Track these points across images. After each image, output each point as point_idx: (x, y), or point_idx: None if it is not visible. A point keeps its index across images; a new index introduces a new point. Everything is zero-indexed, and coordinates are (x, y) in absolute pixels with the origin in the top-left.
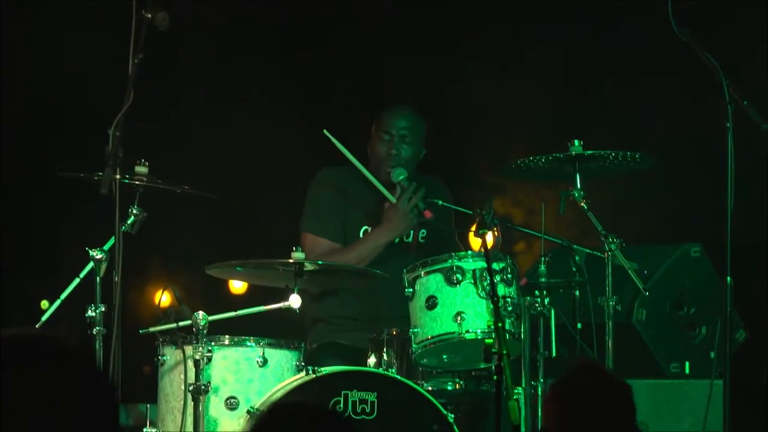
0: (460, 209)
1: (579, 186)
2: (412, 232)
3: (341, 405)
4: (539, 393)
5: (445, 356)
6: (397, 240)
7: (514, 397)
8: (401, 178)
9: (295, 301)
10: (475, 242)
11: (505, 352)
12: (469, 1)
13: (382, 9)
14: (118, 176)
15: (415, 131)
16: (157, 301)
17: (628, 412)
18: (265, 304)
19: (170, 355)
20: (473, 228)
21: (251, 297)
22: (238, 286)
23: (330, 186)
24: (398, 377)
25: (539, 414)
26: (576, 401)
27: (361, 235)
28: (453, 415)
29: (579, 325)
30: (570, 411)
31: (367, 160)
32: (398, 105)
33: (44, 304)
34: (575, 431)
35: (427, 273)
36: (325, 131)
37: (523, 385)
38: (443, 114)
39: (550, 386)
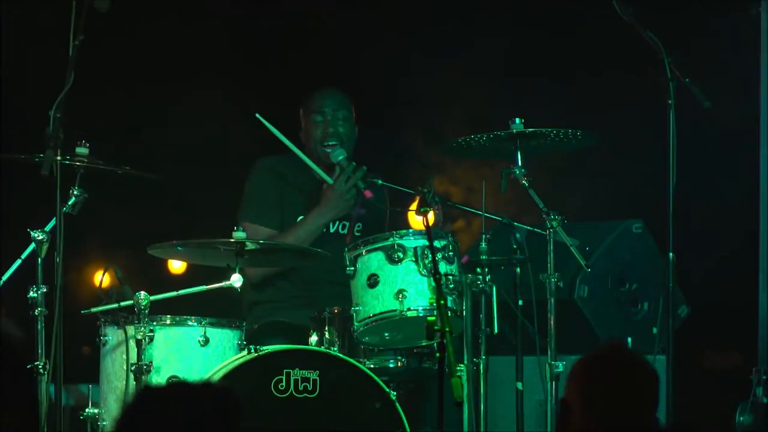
0: (401, 188)
1: (520, 164)
2: (347, 223)
3: (283, 383)
4: (481, 370)
5: (387, 334)
6: (332, 229)
7: (457, 374)
8: (341, 158)
9: (236, 279)
10: (415, 221)
11: (447, 329)
12: None
13: None
14: (59, 157)
15: (347, 108)
16: (98, 282)
17: (651, 399)
18: (205, 284)
19: (112, 335)
20: (414, 206)
21: (191, 277)
22: (177, 266)
23: (268, 175)
24: (340, 355)
25: (482, 391)
26: (603, 380)
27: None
28: (395, 393)
29: (520, 302)
30: (595, 389)
31: (302, 148)
32: (323, 87)
33: None
34: (599, 410)
35: (369, 251)
36: (257, 115)
37: (465, 362)
38: (383, 93)
39: (578, 361)
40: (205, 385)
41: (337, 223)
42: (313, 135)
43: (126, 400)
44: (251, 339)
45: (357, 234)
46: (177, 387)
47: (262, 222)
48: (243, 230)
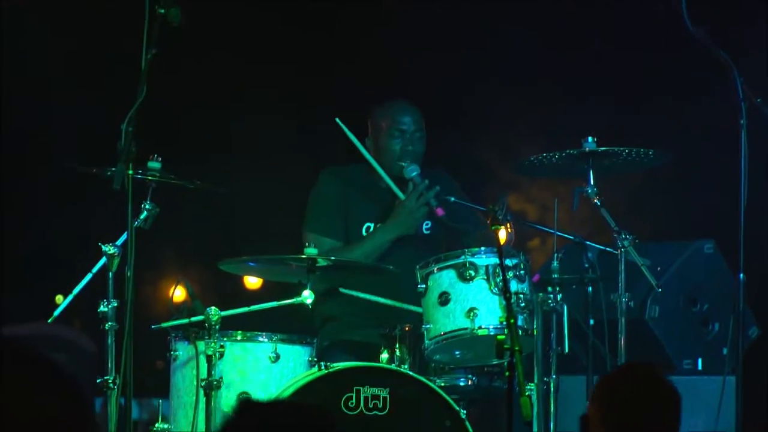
0: (473, 205)
1: (592, 182)
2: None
3: (353, 401)
4: (551, 389)
5: (457, 352)
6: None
7: (527, 393)
8: (414, 174)
9: (307, 296)
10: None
11: (517, 348)
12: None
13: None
14: (130, 171)
15: (422, 125)
16: (170, 296)
17: (670, 417)
18: (279, 300)
19: (182, 350)
20: (487, 224)
21: (266, 293)
22: (253, 282)
23: (332, 185)
24: (410, 373)
25: (551, 410)
26: (620, 396)
27: (363, 232)
28: (465, 411)
29: (591, 322)
30: (613, 405)
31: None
32: (400, 99)
33: (59, 299)
34: (615, 425)
35: (440, 269)
36: (337, 120)
37: (536, 381)
38: (457, 109)
39: (599, 379)
40: (302, 404)
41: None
42: (389, 149)
43: (226, 414)
44: (322, 355)
45: (426, 233)
46: (278, 404)
47: (327, 234)
48: (306, 241)
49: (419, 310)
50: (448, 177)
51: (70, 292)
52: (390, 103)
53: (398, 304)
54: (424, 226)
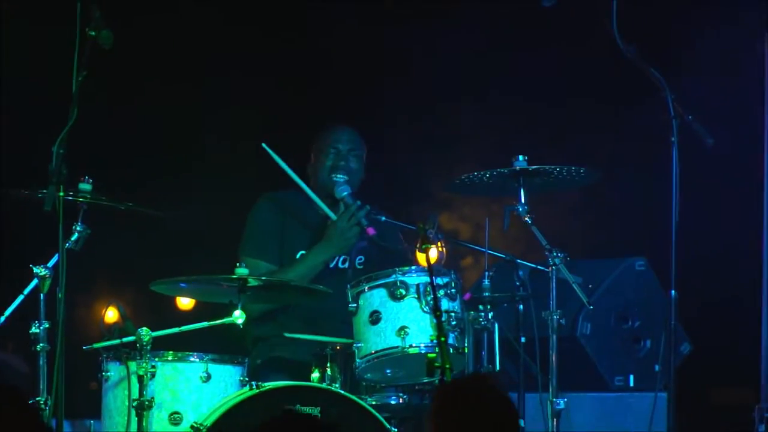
0: (404, 225)
1: (523, 201)
2: (348, 257)
3: None
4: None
5: (388, 371)
6: (332, 265)
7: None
8: (344, 194)
9: (238, 316)
10: (420, 257)
11: (448, 366)
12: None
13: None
14: (61, 193)
15: (361, 148)
16: (101, 318)
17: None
18: (211, 320)
19: (114, 371)
20: (417, 243)
21: (199, 313)
22: (185, 302)
23: (269, 210)
24: (342, 392)
25: None
26: (455, 410)
27: (297, 257)
28: (396, 430)
29: (523, 339)
30: (447, 417)
31: (307, 181)
32: (341, 125)
33: None
34: None
35: (371, 288)
36: (263, 145)
37: None
38: (391, 130)
39: (436, 390)
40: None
41: (338, 258)
42: (323, 164)
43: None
44: (254, 374)
45: (359, 267)
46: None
47: (263, 258)
48: (244, 265)
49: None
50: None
51: (1, 313)
52: (327, 127)
53: (340, 340)
54: (357, 261)
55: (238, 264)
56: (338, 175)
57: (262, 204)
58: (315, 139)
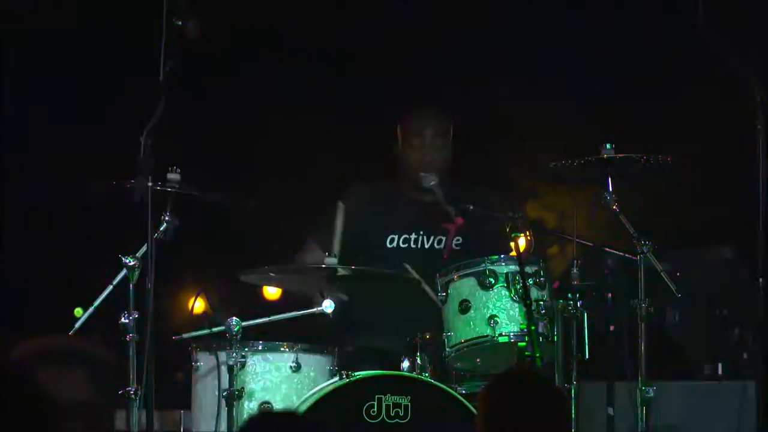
0: (493, 213)
1: (611, 189)
2: (443, 238)
3: (375, 409)
4: (572, 395)
5: (478, 360)
6: (428, 245)
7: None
8: (432, 183)
9: (328, 306)
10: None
11: (538, 355)
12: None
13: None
14: (150, 183)
15: (445, 133)
16: (190, 308)
17: (561, 419)
18: (299, 310)
19: (204, 361)
20: (506, 232)
21: (285, 303)
22: (272, 292)
23: (352, 201)
24: (432, 381)
25: (572, 416)
26: (504, 405)
27: (387, 243)
28: None
29: (611, 328)
30: (496, 415)
31: (394, 162)
32: (424, 107)
33: (78, 311)
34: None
35: (460, 277)
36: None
37: None
38: (475, 117)
39: (483, 388)
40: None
41: (432, 237)
42: (409, 159)
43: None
44: (345, 362)
45: (456, 248)
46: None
47: (322, 246)
48: (305, 245)
49: None
50: (482, 192)
51: (88, 304)
52: (414, 111)
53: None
54: (454, 242)
55: (327, 254)
56: (422, 171)
57: (346, 193)
58: (401, 121)
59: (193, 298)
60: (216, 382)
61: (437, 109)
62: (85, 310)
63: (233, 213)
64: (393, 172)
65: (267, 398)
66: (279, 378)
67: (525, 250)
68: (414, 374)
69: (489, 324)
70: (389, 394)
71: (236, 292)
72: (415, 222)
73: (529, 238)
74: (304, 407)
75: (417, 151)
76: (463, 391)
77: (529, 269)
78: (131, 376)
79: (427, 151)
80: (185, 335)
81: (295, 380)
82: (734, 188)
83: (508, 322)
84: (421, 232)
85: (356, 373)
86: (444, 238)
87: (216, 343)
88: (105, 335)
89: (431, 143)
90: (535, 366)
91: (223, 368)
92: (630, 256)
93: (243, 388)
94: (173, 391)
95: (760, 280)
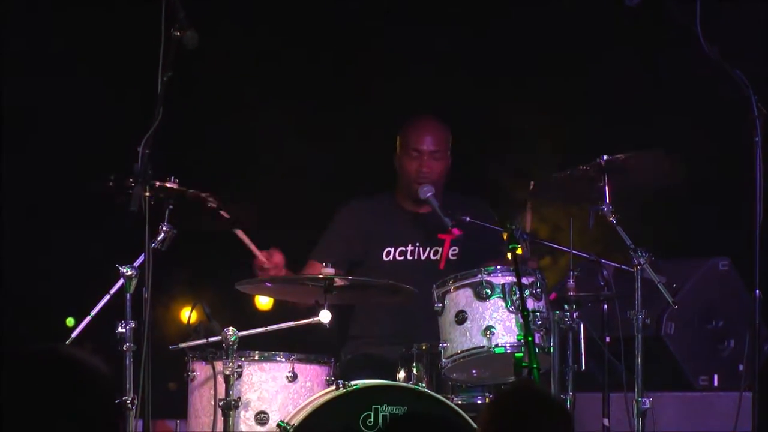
0: (489, 225)
1: (607, 200)
2: (440, 249)
3: (371, 419)
4: (568, 406)
5: (474, 370)
6: (424, 256)
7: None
8: (428, 195)
9: (325, 316)
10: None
11: (534, 365)
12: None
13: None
14: (147, 193)
15: (443, 145)
16: (186, 318)
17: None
18: (291, 320)
19: (200, 370)
20: (503, 242)
21: (277, 313)
22: (264, 302)
23: (347, 217)
24: (428, 391)
25: None
26: (509, 421)
27: (383, 256)
28: None
29: (607, 339)
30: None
31: (394, 172)
32: (423, 118)
33: (69, 321)
34: None
35: (457, 288)
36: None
37: None
38: (469, 130)
39: (486, 404)
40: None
41: (429, 248)
42: (406, 169)
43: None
44: (341, 370)
45: (452, 258)
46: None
47: (323, 261)
48: (307, 265)
49: None
50: (483, 206)
51: (86, 313)
52: (413, 122)
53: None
54: (450, 252)
55: (324, 264)
56: (419, 182)
57: (342, 210)
58: (400, 131)
59: (189, 308)
60: (212, 391)
61: (436, 120)
62: (81, 319)
63: (230, 223)
64: (392, 181)
65: (263, 408)
66: (275, 388)
67: (522, 260)
68: (411, 384)
69: (485, 335)
70: (386, 404)
71: (228, 302)
72: (411, 234)
73: (525, 249)
74: (300, 417)
75: (414, 162)
76: (460, 402)
77: (525, 280)
78: (127, 386)
79: (425, 162)
80: (181, 345)
81: (292, 390)
82: (731, 199)
83: (504, 333)
84: (417, 244)
85: (353, 383)
86: (440, 249)
87: (212, 352)
88: (95, 345)
89: (429, 155)
90: (533, 378)
91: (219, 378)
92: (626, 267)
93: (239, 397)
94: (163, 400)
95: (756, 291)
